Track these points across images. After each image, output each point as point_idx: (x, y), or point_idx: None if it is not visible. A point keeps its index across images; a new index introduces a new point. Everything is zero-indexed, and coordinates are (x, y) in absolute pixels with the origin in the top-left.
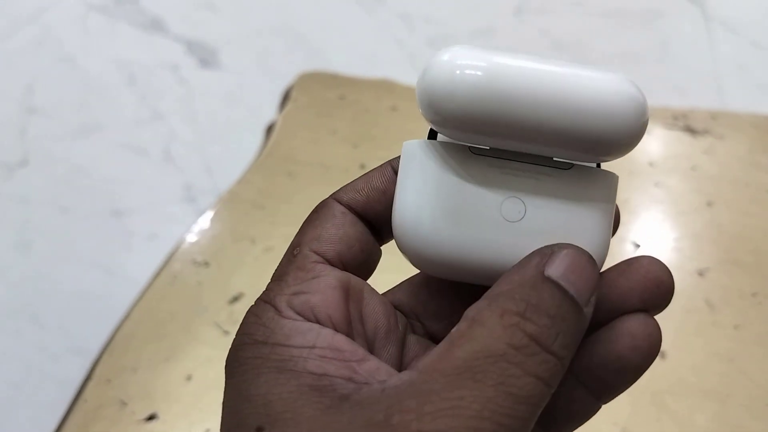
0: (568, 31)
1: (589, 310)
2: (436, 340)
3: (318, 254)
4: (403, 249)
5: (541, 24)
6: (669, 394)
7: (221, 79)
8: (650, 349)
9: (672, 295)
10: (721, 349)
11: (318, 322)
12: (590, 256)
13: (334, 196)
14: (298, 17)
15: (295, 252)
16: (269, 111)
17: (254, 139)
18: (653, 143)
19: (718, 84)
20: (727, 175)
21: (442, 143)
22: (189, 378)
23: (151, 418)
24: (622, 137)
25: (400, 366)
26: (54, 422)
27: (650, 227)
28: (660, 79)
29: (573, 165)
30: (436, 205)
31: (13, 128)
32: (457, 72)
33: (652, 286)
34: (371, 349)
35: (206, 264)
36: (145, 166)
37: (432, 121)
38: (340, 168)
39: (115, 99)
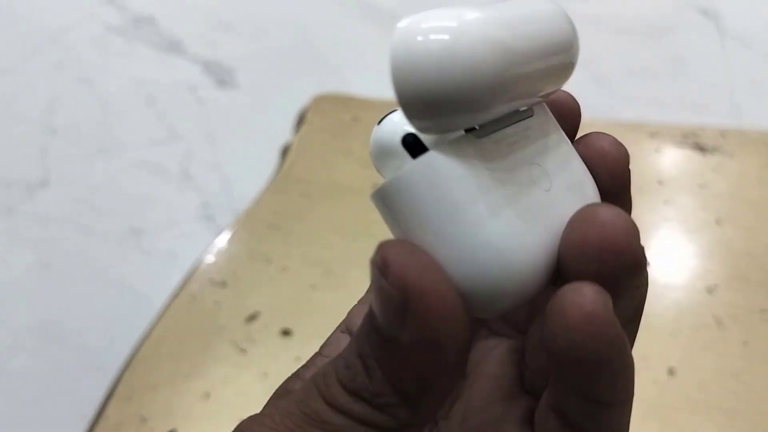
0: (582, 47)
1: (404, 335)
2: None
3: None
4: (501, 294)
5: None
6: (677, 411)
7: (238, 98)
8: (590, 333)
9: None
10: (730, 365)
11: (351, 333)
12: (378, 275)
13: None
14: (314, 37)
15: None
16: (285, 129)
17: (270, 157)
18: (663, 161)
19: (733, 99)
20: (736, 192)
21: (447, 148)
22: (207, 395)
23: None
24: (576, 51)
25: None
26: None
27: (659, 245)
28: (674, 94)
29: (532, 110)
30: (497, 222)
31: (33, 148)
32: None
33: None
34: None
35: (224, 284)
36: (163, 185)
37: (414, 113)
38: (354, 189)
39: (134, 119)
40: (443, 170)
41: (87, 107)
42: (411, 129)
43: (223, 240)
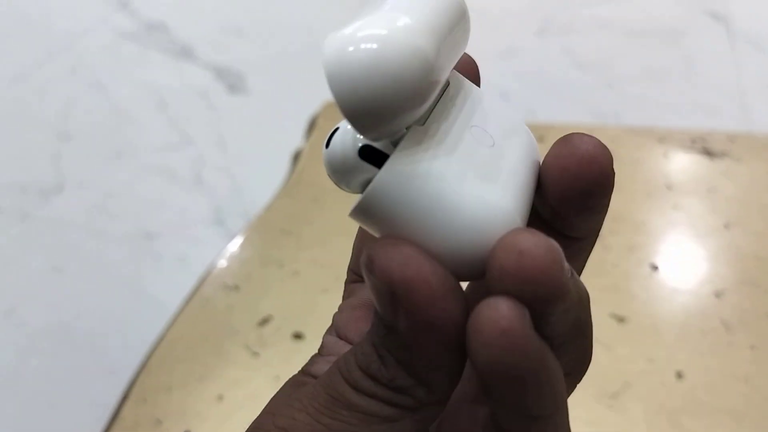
0: (592, 51)
1: (401, 321)
2: None
3: (354, 272)
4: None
5: (564, 44)
6: (685, 414)
7: (249, 103)
8: (506, 348)
9: (610, 171)
10: (738, 369)
11: (340, 337)
12: (367, 270)
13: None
14: (323, 41)
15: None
16: (296, 134)
17: (281, 162)
18: (671, 165)
19: (743, 102)
20: (744, 197)
21: (405, 146)
22: (220, 398)
23: None
24: (468, 14)
25: None
26: None
27: (668, 249)
28: (685, 98)
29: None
30: (469, 193)
31: (48, 154)
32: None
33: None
34: None
35: (236, 288)
36: (175, 190)
37: (364, 126)
38: None
39: (146, 124)
40: (411, 167)
41: (100, 113)
42: (362, 142)
43: (235, 245)
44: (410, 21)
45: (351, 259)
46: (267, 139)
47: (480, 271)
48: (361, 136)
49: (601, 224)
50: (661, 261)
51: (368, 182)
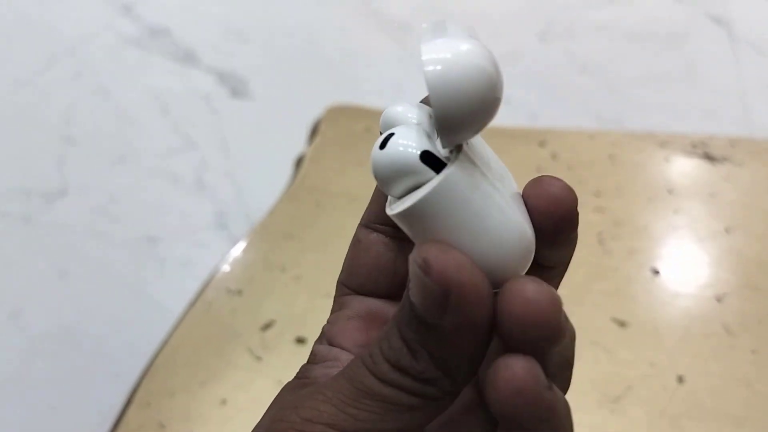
0: (593, 55)
1: (445, 321)
2: None
3: (346, 286)
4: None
5: (566, 47)
6: (687, 418)
7: (252, 108)
8: (520, 403)
9: (575, 217)
10: (739, 373)
11: (335, 346)
12: (422, 273)
13: (363, 222)
14: (327, 48)
15: (337, 288)
16: (298, 139)
17: (284, 167)
18: (672, 170)
19: (745, 106)
20: (745, 201)
21: (462, 158)
22: (224, 402)
23: None
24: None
25: None
26: None
27: (669, 253)
28: (686, 102)
29: None
30: (509, 210)
31: (51, 158)
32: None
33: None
34: None
35: (239, 292)
36: (178, 194)
37: (450, 129)
38: (366, 199)
39: (149, 129)
40: (468, 179)
41: (104, 117)
42: (423, 147)
43: (238, 249)
44: (487, 50)
45: (341, 273)
46: (270, 144)
47: (503, 283)
48: (419, 143)
49: (571, 255)
50: (663, 265)
51: (414, 187)
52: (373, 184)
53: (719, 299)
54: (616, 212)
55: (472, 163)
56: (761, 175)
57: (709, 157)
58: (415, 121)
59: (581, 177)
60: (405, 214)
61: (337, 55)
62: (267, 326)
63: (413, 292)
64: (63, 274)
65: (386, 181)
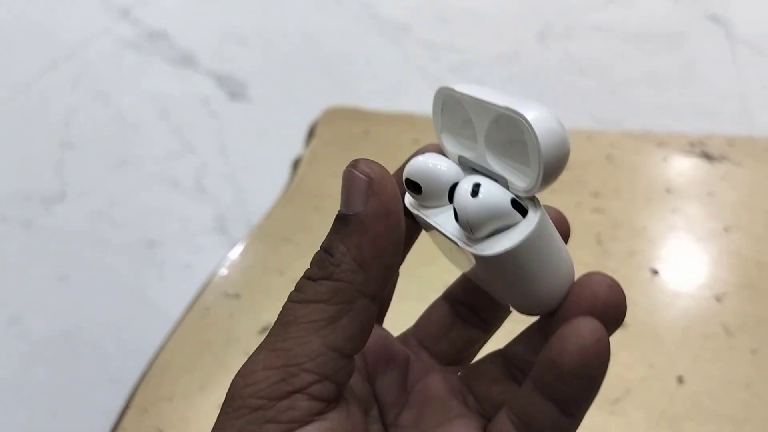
0: (591, 55)
1: (366, 210)
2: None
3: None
4: None
5: (564, 48)
6: (687, 419)
7: (250, 111)
8: (598, 352)
9: (622, 312)
10: (739, 374)
11: None
12: (353, 171)
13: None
14: (324, 49)
15: None
16: (297, 141)
17: (283, 169)
18: (671, 170)
19: (744, 105)
20: (744, 201)
21: (538, 203)
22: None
23: None
24: None
25: (405, 386)
26: None
27: (668, 253)
28: (685, 101)
29: None
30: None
31: (50, 162)
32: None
33: (600, 303)
34: (374, 375)
35: (237, 296)
36: (177, 198)
37: (550, 179)
38: None
39: (148, 132)
40: (547, 219)
41: (103, 121)
42: (510, 194)
43: (235, 253)
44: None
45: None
46: (269, 146)
47: (556, 308)
48: (506, 191)
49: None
50: (662, 265)
51: (500, 229)
52: None
53: (719, 299)
54: (615, 213)
55: (543, 207)
56: (760, 174)
57: (708, 157)
58: (445, 168)
59: (579, 177)
60: (510, 252)
61: (335, 58)
62: (265, 330)
63: (343, 190)
64: (62, 279)
65: (477, 225)
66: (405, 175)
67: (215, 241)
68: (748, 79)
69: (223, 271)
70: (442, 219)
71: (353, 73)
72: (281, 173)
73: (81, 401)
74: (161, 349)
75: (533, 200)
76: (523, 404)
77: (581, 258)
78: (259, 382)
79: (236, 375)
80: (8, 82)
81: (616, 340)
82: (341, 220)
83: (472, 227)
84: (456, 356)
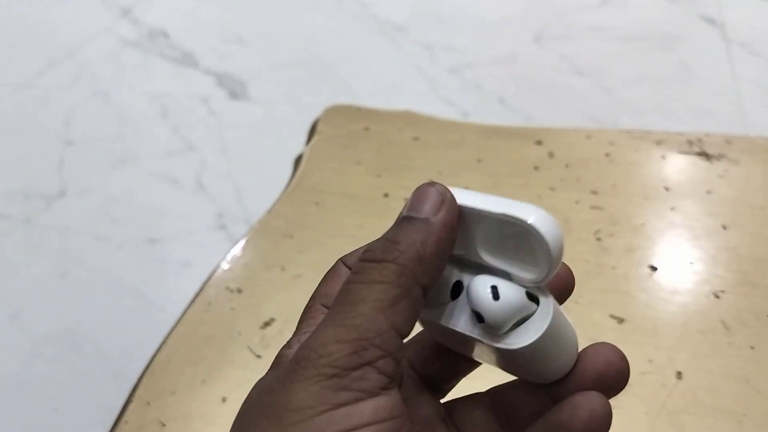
0: (588, 57)
1: (436, 218)
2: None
3: (324, 306)
4: None
5: (561, 50)
6: (686, 414)
7: (251, 110)
8: (604, 424)
9: (626, 380)
10: (737, 369)
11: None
12: (431, 188)
13: (342, 260)
14: (323, 49)
15: (309, 305)
16: (297, 139)
17: (283, 167)
18: (669, 168)
19: (739, 105)
20: (741, 198)
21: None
22: (224, 400)
23: None
24: None
25: None
26: None
27: (666, 251)
28: (681, 101)
29: None
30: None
31: (51, 160)
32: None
33: (607, 371)
34: None
35: (239, 291)
36: (177, 196)
37: (552, 272)
38: (365, 197)
39: (149, 131)
40: (554, 301)
41: (103, 119)
42: (523, 288)
43: (238, 248)
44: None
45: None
46: (269, 145)
47: (567, 373)
48: (518, 286)
49: None
50: (660, 262)
51: (521, 321)
52: (371, 183)
53: (717, 296)
54: (613, 210)
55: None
56: (757, 172)
57: (705, 155)
58: (451, 276)
59: (578, 175)
60: (537, 343)
61: (335, 58)
62: (267, 324)
63: (415, 199)
64: (63, 276)
65: (503, 324)
66: None
67: (214, 239)
68: (742, 79)
69: (226, 267)
70: (455, 320)
71: (352, 73)
72: (281, 172)
73: (80, 397)
74: (164, 342)
75: (539, 288)
76: None
77: (581, 255)
78: (333, 353)
79: (303, 348)
80: (9, 80)
81: (616, 336)
82: (409, 220)
83: (498, 327)
84: (442, 383)
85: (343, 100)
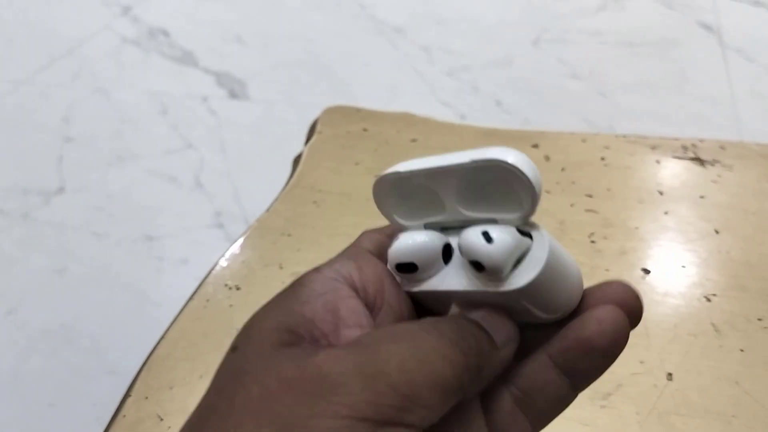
0: (585, 61)
1: (505, 353)
2: None
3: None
4: None
5: (558, 54)
6: (676, 415)
7: (250, 109)
8: (616, 335)
9: (641, 313)
10: (728, 371)
11: (344, 279)
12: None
13: (367, 234)
14: (322, 49)
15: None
16: (295, 139)
17: (281, 167)
18: (663, 172)
19: (734, 111)
20: (734, 203)
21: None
22: None
23: None
24: None
25: None
26: None
27: (659, 254)
28: (677, 106)
29: None
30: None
31: (50, 157)
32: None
33: (623, 297)
34: (371, 308)
35: (237, 288)
36: (176, 194)
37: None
38: (362, 197)
39: (148, 129)
40: (552, 237)
41: (102, 117)
42: (516, 225)
43: (237, 246)
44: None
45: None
46: (267, 145)
47: (575, 307)
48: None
49: None
50: (653, 265)
51: (519, 261)
52: (369, 183)
53: (708, 299)
54: (608, 213)
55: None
56: (750, 178)
57: (699, 160)
58: (428, 238)
59: (573, 178)
60: (541, 275)
61: (333, 58)
62: None
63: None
64: (60, 272)
65: (503, 266)
66: (395, 262)
67: (212, 237)
68: (738, 85)
69: (224, 264)
70: (456, 281)
71: (350, 74)
72: (279, 171)
73: (77, 393)
74: (162, 337)
75: (528, 224)
76: (532, 379)
77: (575, 257)
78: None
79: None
80: (9, 77)
81: None
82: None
83: (499, 270)
84: None
85: (342, 100)
